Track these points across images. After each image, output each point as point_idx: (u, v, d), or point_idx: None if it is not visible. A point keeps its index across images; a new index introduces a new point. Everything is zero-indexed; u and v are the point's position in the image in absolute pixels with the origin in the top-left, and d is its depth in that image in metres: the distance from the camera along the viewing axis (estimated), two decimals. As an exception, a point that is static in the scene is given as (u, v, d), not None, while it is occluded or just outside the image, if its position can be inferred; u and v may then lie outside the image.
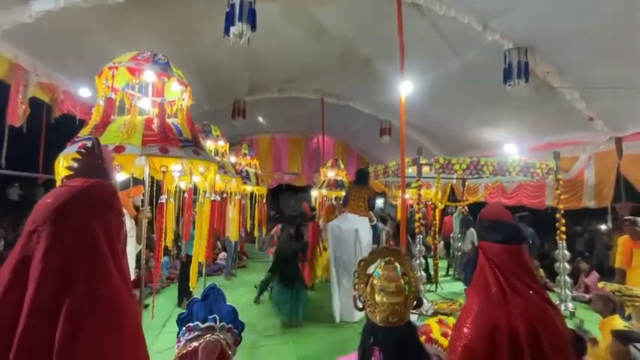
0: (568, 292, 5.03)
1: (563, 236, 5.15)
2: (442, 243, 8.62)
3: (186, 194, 3.26)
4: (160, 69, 2.55)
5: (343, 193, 6.79)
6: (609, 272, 5.12)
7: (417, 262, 5.11)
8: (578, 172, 6.38)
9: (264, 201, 7.87)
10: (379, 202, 15.15)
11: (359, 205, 5.05)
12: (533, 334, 1.15)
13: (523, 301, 1.21)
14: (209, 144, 5.19)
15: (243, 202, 6.77)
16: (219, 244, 7.61)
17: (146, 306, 4.58)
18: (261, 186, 7.50)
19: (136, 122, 2.42)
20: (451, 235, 7.90)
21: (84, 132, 2.43)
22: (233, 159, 7.15)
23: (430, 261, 6.75)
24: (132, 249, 2.76)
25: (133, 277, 2.79)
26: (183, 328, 1.61)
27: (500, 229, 1.36)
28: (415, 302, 2.80)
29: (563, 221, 5.16)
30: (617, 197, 5.87)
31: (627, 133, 5.58)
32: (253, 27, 3.85)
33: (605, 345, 2.88)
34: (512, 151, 7.20)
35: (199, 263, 3.05)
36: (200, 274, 3.33)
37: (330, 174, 8.98)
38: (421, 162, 5.24)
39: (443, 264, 7.81)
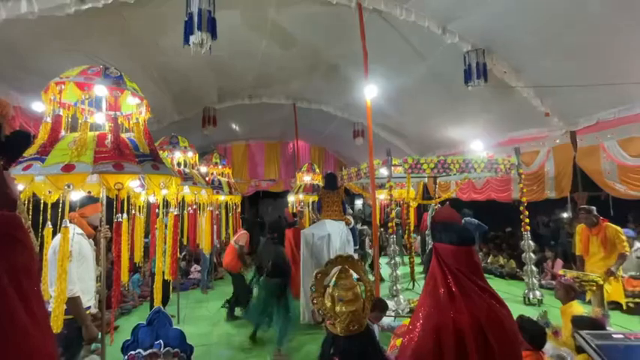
0: (535, 280, 5.26)
1: (528, 227, 5.39)
2: (419, 238, 8.81)
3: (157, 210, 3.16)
4: (111, 82, 2.45)
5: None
6: (573, 259, 5.40)
7: (392, 262, 5.18)
8: (539, 166, 6.71)
9: (239, 210, 7.74)
10: (359, 203, 15.32)
11: (333, 209, 5.06)
12: (480, 332, 1.19)
13: (470, 301, 1.25)
14: (177, 156, 5.05)
15: (217, 212, 6.63)
16: (184, 257, 7.42)
17: (116, 327, 4.40)
18: (235, 195, 7.38)
19: (87, 139, 2.31)
20: (426, 232, 8.09)
21: (30, 151, 2.29)
22: (204, 169, 7.00)
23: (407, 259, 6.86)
24: (90, 270, 2.63)
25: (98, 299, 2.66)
26: (126, 357, 1.54)
27: (452, 231, 1.40)
28: (380, 303, 2.79)
29: (527, 213, 5.40)
30: (575, 187, 6.22)
31: (580, 127, 5.93)
32: (214, 35, 3.80)
33: (566, 331, 3.02)
34: (478, 148, 7.49)
35: (166, 281, 2.94)
36: (166, 292, 3.19)
37: (306, 178, 8.96)
38: (393, 163, 5.34)
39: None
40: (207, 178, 6.19)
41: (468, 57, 5.30)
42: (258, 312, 3.98)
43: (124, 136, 2.52)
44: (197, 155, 5.40)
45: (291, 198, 9.01)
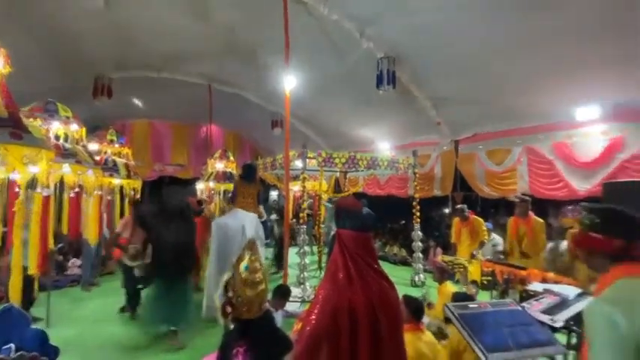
0: (420, 265, 6.11)
1: (418, 220, 6.21)
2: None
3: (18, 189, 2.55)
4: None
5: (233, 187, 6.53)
6: (449, 247, 6.45)
7: (301, 250, 5.36)
8: (430, 168, 7.80)
9: (139, 196, 6.88)
10: (274, 194, 15.26)
11: (248, 201, 4.92)
12: (371, 309, 1.33)
13: (366, 283, 1.39)
14: (56, 126, 4.19)
15: (109, 197, 5.78)
16: (60, 249, 6.27)
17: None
18: (134, 179, 6.54)
19: None
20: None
21: None
22: (95, 146, 6.00)
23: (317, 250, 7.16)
24: None
25: None
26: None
27: (355, 218, 1.51)
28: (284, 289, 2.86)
29: (418, 208, 6.21)
30: (454, 187, 7.43)
31: (462, 137, 7.09)
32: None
33: (439, 306, 3.63)
34: (384, 148, 8.26)
35: (30, 277, 2.42)
36: (27, 289, 2.63)
37: (219, 165, 8.52)
38: (308, 155, 5.47)
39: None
40: (98, 158, 5.33)
41: (381, 63, 5.76)
42: (156, 308, 3.62)
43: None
44: (84, 129, 4.60)
45: (200, 185, 8.45)
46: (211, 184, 8.18)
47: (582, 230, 1.11)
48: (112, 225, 6.22)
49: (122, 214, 6.42)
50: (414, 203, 6.20)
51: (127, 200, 6.43)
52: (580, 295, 2.76)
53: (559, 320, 2.28)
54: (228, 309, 1.57)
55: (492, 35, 4.71)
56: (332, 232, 7.29)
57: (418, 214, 6.19)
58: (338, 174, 8.89)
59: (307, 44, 5.94)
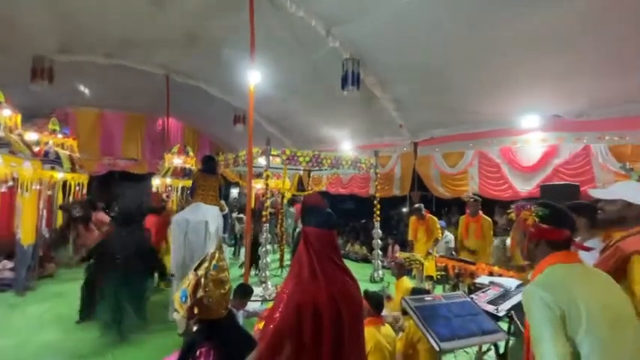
0: (380, 262, 6.34)
1: (378, 218, 6.43)
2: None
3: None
4: None
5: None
6: (407, 244, 6.75)
7: (264, 249, 5.30)
8: (391, 168, 8.10)
9: (85, 192, 6.34)
10: (234, 192, 14.86)
11: (209, 194, 4.73)
12: (334, 304, 1.36)
13: (329, 279, 1.41)
14: (-16, 112, 3.73)
15: (50, 193, 5.25)
16: None
17: None
18: (80, 173, 6.01)
19: None
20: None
21: None
22: (33, 136, 5.41)
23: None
24: None
25: None
26: None
27: (320, 216, 1.53)
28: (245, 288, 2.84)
29: (379, 207, 6.43)
30: (412, 188, 7.79)
31: (420, 139, 7.45)
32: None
33: (398, 299, 3.80)
34: (347, 148, 8.42)
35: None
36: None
37: (177, 161, 8.13)
38: (271, 153, 5.41)
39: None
40: (37, 149, 4.82)
41: (346, 64, 5.86)
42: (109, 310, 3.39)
43: None
44: (19, 116, 4.14)
45: (156, 181, 8.00)
46: (168, 180, 7.78)
47: (536, 221, 1.26)
48: (53, 223, 5.67)
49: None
50: (375, 202, 6.40)
51: (71, 196, 5.88)
52: (520, 287, 3.05)
53: (502, 310, 2.50)
54: (196, 310, 1.52)
55: (451, 44, 5.01)
56: (297, 229, 7.31)
57: (378, 212, 6.40)
58: (302, 172, 8.90)
59: (273, 40, 5.87)
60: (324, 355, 1.27)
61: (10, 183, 3.72)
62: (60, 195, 5.63)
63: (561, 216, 1.29)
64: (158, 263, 4.53)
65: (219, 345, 1.50)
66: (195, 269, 1.67)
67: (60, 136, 5.70)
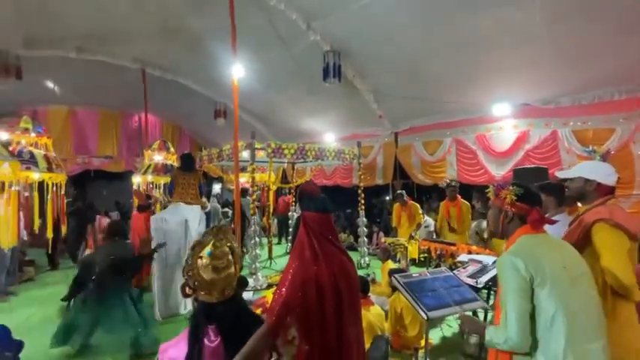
0: (366, 249, 6.55)
1: (363, 207, 6.62)
2: (276, 221, 9.36)
3: None
4: None
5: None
6: (390, 230, 7.01)
7: (252, 241, 5.37)
8: (373, 158, 8.30)
9: (63, 192, 6.13)
10: (217, 187, 14.69)
11: (189, 192, 4.71)
12: (333, 278, 1.50)
13: (329, 258, 1.54)
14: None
15: (27, 194, 5.07)
16: None
17: None
18: (57, 172, 5.80)
19: None
20: (286, 214, 8.65)
21: None
22: (4, 136, 5.18)
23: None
24: None
25: None
26: None
27: (317, 201, 1.65)
28: (240, 280, 2.96)
29: (363, 196, 6.61)
30: (395, 176, 8.04)
31: (400, 129, 7.68)
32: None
33: (384, 282, 4.02)
34: (330, 140, 8.54)
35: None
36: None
37: (158, 158, 7.96)
38: (256, 146, 5.44)
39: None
40: (10, 148, 4.64)
41: (327, 56, 5.95)
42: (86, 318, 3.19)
43: None
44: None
45: (137, 179, 7.82)
46: (150, 177, 7.63)
47: (513, 200, 1.47)
48: (31, 226, 5.48)
49: (42, 214, 5.66)
50: (359, 192, 6.59)
51: (48, 197, 5.67)
52: (495, 262, 3.31)
53: (481, 282, 2.73)
54: (187, 290, 1.62)
55: (429, 36, 5.20)
56: (296, 215, 7.38)
57: (363, 202, 6.59)
58: (285, 165, 8.95)
59: (253, 33, 5.85)
60: (327, 323, 1.41)
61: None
62: (36, 196, 5.43)
63: (533, 195, 1.50)
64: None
65: (221, 325, 1.60)
66: (192, 248, 1.74)
67: (33, 134, 5.48)
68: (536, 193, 1.53)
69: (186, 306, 4.21)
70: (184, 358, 1.63)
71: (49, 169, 5.33)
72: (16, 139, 5.25)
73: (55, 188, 5.73)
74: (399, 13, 4.94)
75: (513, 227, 1.49)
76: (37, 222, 5.52)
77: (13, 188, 4.01)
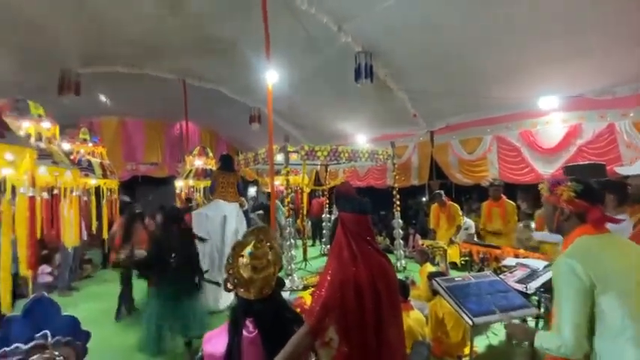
0: (402, 252, 6.38)
1: (399, 208, 6.47)
2: (310, 223, 9.43)
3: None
4: None
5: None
6: (428, 232, 6.77)
7: (288, 243, 5.45)
8: (407, 158, 8.09)
9: (116, 196, 6.67)
10: (252, 190, 15.13)
11: (228, 191, 4.94)
12: (372, 279, 1.48)
13: (367, 259, 1.52)
14: (26, 126, 4.00)
15: (85, 198, 5.56)
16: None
17: None
18: (111, 178, 6.32)
19: None
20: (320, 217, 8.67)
21: None
22: (67, 146, 5.73)
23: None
24: None
25: None
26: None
27: (354, 203, 1.64)
28: (278, 280, 2.99)
29: (398, 197, 6.46)
30: (431, 176, 7.77)
31: (436, 127, 7.41)
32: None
33: (423, 285, 3.88)
34: (362, 141, 8.46)
35: (19, 279, 2.34)
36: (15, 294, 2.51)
37: (198, 163, 8.40)
38: (289, 149, 5.53)
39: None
40: (71, 157, 5.12)
41: (359, 57, 5.90)
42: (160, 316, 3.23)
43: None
44: (57, 127, 4.41)
45: (179, 183, 8.30)
46: (191, 181, 8.05)
47: (571, 196, 1.33)
48: (89, 227, 6.01)
49: (99, 216, 6.19)
50: (394, 192, 6.44)
51: (104, 201, 6.19)
52: (547, 267, 3.07)
53: (531, 288, 2.54)
54: (229, 285, 1.68)
55: (464, 30, 4.98)
56: (334, 217, 7.41)
57: (398, 203, 6.44)
58: (319, 167, 9.00)
59: (285, 38, 5.96)
60: (366, 324, 1.39)
61: (56, 191, 3.98)
62: (94, 200, 5.96)
63: (594, 191, 1.36)
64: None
65: (258, 319, 1.64)
66: (233, 248, 1.79)
67: (90, 144, 6.01)
68: (597, 190, 1.38)
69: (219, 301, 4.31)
70: (225, 347, 1.69)
71: (104, 176, 5.83)
72: (76, 149, 5.79)
73: (109, 193, 6.25)
74: (430, 7, 4.78)
75: (570, 226, 1.35)
76: (94, 223, 6.06)
77: (74, 193, 4.42)
